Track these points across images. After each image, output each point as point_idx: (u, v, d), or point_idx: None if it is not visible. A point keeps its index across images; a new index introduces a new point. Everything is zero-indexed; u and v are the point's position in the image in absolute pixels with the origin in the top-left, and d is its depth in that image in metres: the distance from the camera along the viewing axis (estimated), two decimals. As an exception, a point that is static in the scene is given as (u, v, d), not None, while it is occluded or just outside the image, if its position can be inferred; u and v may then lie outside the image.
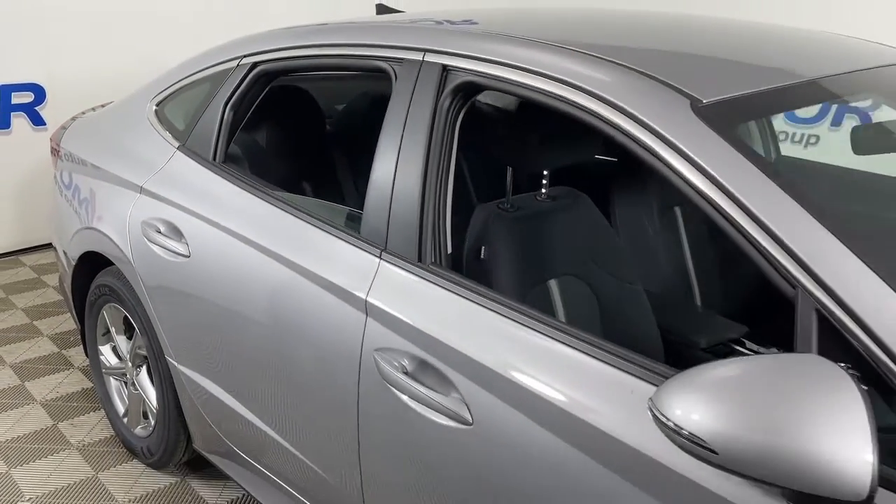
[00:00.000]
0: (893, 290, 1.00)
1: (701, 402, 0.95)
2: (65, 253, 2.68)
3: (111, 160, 2.45)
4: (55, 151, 2.83)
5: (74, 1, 4.26)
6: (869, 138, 2.00)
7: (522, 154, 1.86)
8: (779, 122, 5.20)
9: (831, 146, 4.57)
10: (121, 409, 2.64)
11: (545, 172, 1.87)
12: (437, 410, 1.42)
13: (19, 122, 4.29)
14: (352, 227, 1.71)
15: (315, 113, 2.53)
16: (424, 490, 1.50)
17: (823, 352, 1.02)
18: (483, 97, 2.47)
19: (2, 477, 2.49)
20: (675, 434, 0.97)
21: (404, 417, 1.48)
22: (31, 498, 2.41)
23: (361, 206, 1.69)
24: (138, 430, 2.57)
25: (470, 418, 1.37)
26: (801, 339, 1.04)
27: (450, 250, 1.59)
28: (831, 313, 1.02)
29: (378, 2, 2.69)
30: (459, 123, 1.61)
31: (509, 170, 1.83)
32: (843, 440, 0.87)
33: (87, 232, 2.47)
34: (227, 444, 2.16)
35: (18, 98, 4.27)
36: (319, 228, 1.76)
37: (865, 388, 0.91)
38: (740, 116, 1.29)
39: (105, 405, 2.72)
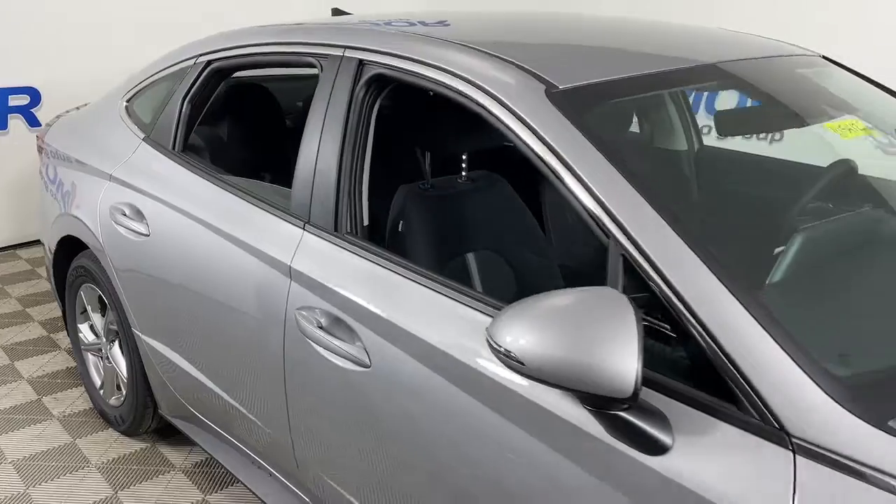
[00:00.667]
0: (678, 235, 1.21)
1: (517, 327, 1.16)
2: (47, 239, 2.91)
3: (87, 152, 2.69)
4: (41, 148, 3.07)
5: (68, 10, 4.50)
6: (729, 122, 2.20)
7: (437, 140, 2.07)
8: (701, 116, 5.43)
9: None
10: (98, 382, 2.87)
11: (464, 157, 2.09)
12: (345, 357, 1.63)
13: (15, 123, 4.54)
14: (285, 204, 1.93)
15: (273, 109, 2.76)
16: (338, 427, 1.72)
17: (628, 288, 1.23)
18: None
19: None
20: (496, 352, 1.18)
21: (318, 365, 1.69)
22: (12, 461, 2.63)
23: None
24: (112, 401, 2.79)
25: (369, 362, 1.58)
26: (611, 278, 1.25)
27: (366, 223, 1.81)
28: (631, 256, 1.23)
29: (334, 6, 2.92)
30: (375, 111, 1.82)
31: (427, 154, 2.05)
32: (617, 351, 1.08)
33: (65, 218, 2.70)
34: (188, 407, 2.38)
35: (15, 100, 4.52)
36: (258, 207, 1.98)
37: (644, 313, 1.12)
38: (590, 101, 1.50)
39: (84, 379, 2.95)
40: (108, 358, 2.77)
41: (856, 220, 1.73)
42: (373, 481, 1.67)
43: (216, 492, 2.50)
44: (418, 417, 1.50)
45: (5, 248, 4.66)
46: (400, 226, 1.94)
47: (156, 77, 2.56)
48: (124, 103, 2.67)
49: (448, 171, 2.14)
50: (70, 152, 2.79)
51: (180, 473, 2.59)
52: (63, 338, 3.50)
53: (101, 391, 2.85)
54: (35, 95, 4.57)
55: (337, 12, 2.85)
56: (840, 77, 2.18)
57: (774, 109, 1.88)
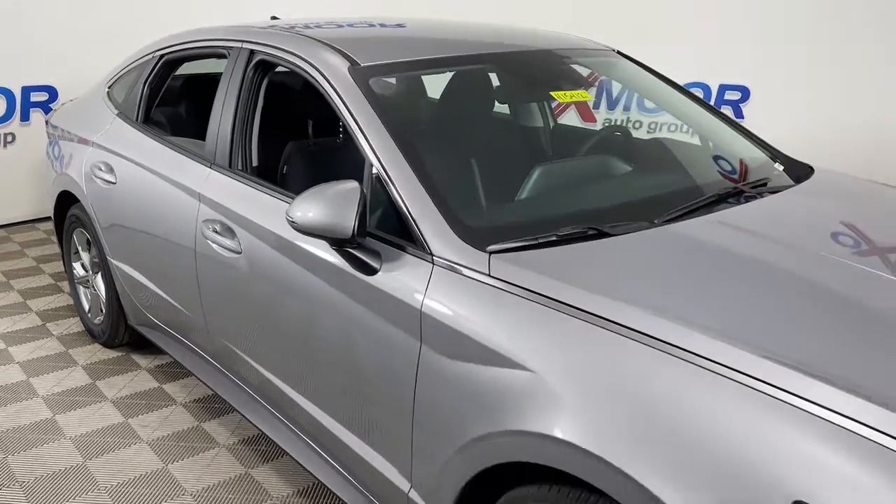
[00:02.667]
0: (408, 162, 1.96)
1: (298, 205, 1.92)
2: (49, 196, 3.75)
3: (78, 127, 3.52)
4: (48, 129, 3.92)
5: (80, 20, 5.37)
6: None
7: (313, 109, 2.85)
8: (633, 113, 6.18)
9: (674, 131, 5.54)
10: (87, 307, 3.69)
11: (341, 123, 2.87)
12: (227, 248, 2.41)
13: (36, 116, 5.42)
14: (201, 152, 2.72)
15: (204, 91, 3.52)
16: (226, 299, 2.50)
17: (369, 183, 1.99)
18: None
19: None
20: (290, 222, 1.93)
21: (214, 256, 2.48)
22: (19, 362, 3.45)
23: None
24: (96, 320, 3.61)
25: (240, 250, 2.36)
26: (365, 180, 2.01)
27: (255, 164, 2.59)
28: (375, 165, 1.99)
29: (272, 14, 3.72)
30: (263, 86, 2.60)
31: (310, 121, 2.84)
32: (347, 213, 1.82)
33: (62, 177, 3.53)
34: (145, 314, 3.18)
35: (36, 97, 5.40)
36: (184, 155, 2.78)
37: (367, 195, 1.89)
38: (379, 72, 2.26)
39: (77, 307, 3.78)
40: (93, 287, 3.58)
41: (580, 161, 2.48)
42: (252, 334, 2.44)
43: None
44: (269, 278, 2.27)
45: (27, 221, 5.54)
46: (284, 169, 2.72)
47: (128, 68, 3.39)
48: (106, 88, 3.51)
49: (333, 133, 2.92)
50: (67, 128, 3.63)
51: (144, 373, 3.39)
52: (64, 285, 4.33)
53: (89, 314, 3.67)
54: (53, 93, 5.44)
55: (274, 18, 3.65)
56: (626, 65, 2.94)
57: (514, 84, 2.64)
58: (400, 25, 2.84)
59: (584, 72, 2.82)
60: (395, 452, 1.91)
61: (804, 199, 2.26)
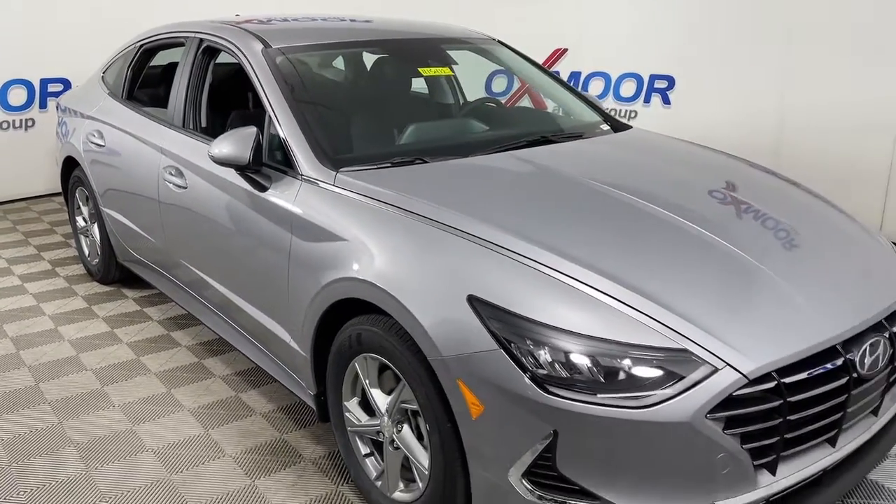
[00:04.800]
0: (292, 113, 2.78)
1: (217, 144, 2.74)
2: (58, 162, 4.62)
3: (79, 105, 4.39)
4: (58, 110, 4.79)
5: (91, 18, 6.23)
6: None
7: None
8: (609, 102, 6.95)
9: (646, 118, 6.44)
10: (87, 252, 4.55)
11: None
12: (178, 185, 3.24)
13: (53, 104, 6.30)
14: (166, 118, 3.55)
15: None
16: (178, 224, 3.33)
17: (263, 128, 2.81)
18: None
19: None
20: (211, 157, 2.75)
21: (170, 193, 3.31)
22: (32, 294, 4.32)
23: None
24: (93, 262, 4.47)
25: (186, 185, 3.20)
26: (265, 130, 2.83)
27: (203, 124, 3.42)
28: (272, 121, 2.81)
29: (237, 12, 4.55)
30: (210, 66, 3.43)
31: (250, 95, 3.67)
32: (243, 145, 2.64)
33: (66, 145, 4.40)
34: (130, 251, 4.03)
35: (52, 88, 6.30)
36: (154, 121, 3.62)
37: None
38: (285, 52, 3.08)
39: (80, 253, 4.65)
40: (91, 235, 4.45)
41: (451, 123, 3.29)
42: (194, 246, 3.26)
43: (178, 330, 4.15)
44: (202, 201, 3.10)
45: (44, 195, 6.44)
46: (228, 126, 3.55)
47: (117, 57, 4.26)
48: (101, 74, 4.38)
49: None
50: (71, 107, 4.50)
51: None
52: (72, 242, 5.20)
53: (88, 257, 4.54)
54: (67, 84, 6.33)
55: (237, 16, 4.48)
56: (504, 51, 3.74)
57: (389, 62, 3.46)
58: (326, 19, 3.66)
59: (458, 56, 3.62)
60: (281, 315, 2.72)
61: (594, 146, 3.05)
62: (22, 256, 4.95)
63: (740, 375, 1.80)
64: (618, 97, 6.88)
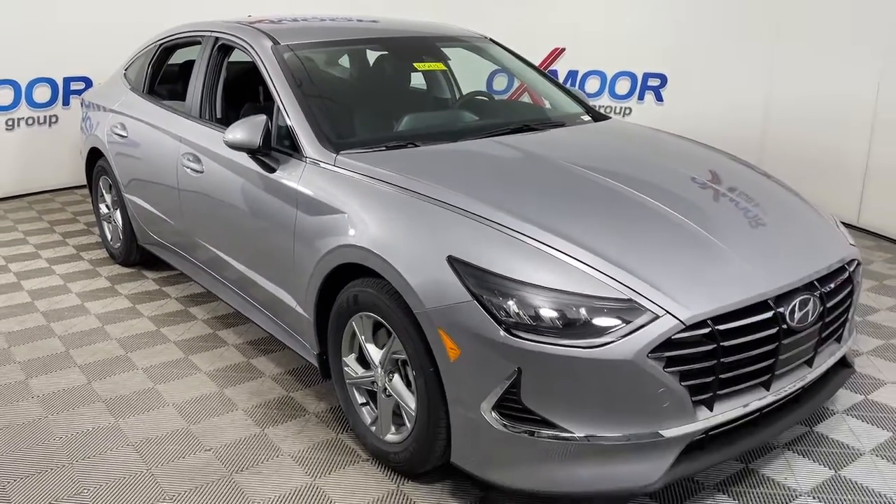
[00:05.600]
0: (297, 102, 3.10)
1: (231, 130, 3.05)
2: (83, 152, 4.97)
3: (103, 100, 4.73)
4: (82, 106, 5.13)
5: (111, 19, 6.57)
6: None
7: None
8: (605, 99, 7.24)
9: (640, 115, 6.74)
10: (109, 237, 4.89)
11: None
12: (195, 170, 3.57)
13: (76, 101, 6.65)
14: (185, 110, 3.88)
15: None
16: (195, 205, 3.65)
17: (273, 117, 3.13)
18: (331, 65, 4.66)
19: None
20: (225, 142, 3.07)
21: (187, 177, 3.64)
22: (60, 274, 4.66)
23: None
24: (116, 246, 4.81)
25: (203, 170, 3.52)
26: (274, 119, 3.14)
27: (219, 115, 3.75)
28: (278, 108, 3.13)
29: (249, 13, 4.88)
30: (225, 62, 3.76)
31: (261, 88, 4.00)
32: (255, 132, 2.96)
33: (91, 137, 4.75)
34: (150, 234, 4.36)
35: (75, 85, 6.66)
36: (174, 113, 3.94)
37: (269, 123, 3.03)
38: (293, 48, 3.40)
39: (103, 238, 4.99)
40: (113, 221, 4.78)
41: (442, 113, 3.60)
42: (216, 232, 3.59)
43: (196, 306, 4.48)
44: (217, 183, 3.42)
45: (68, 188, 6.80)
46: (241, 115, 3.87)
47: (138, 55, 4.60)
48: (123, 71, 4.72)
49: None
50: (95, 102, 4.84)
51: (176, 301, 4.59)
52: (95, 230, 5.54)
53: (111, 241, 4.88)
54: (89, 82, 6.68)
55: (249, 17, 4.82)
56: (495, 48, 4.05)
57: (388, 58, 3.77)
58: (334, 20, 3.98)
59: (453, 53, 3.93)
60: (288, 284, 3.03)
61: (571, 133, 3.36)
62: (48, 242, 5.30)
63: (678, 321, 2.10)
64: (613, 95, 7.17)
